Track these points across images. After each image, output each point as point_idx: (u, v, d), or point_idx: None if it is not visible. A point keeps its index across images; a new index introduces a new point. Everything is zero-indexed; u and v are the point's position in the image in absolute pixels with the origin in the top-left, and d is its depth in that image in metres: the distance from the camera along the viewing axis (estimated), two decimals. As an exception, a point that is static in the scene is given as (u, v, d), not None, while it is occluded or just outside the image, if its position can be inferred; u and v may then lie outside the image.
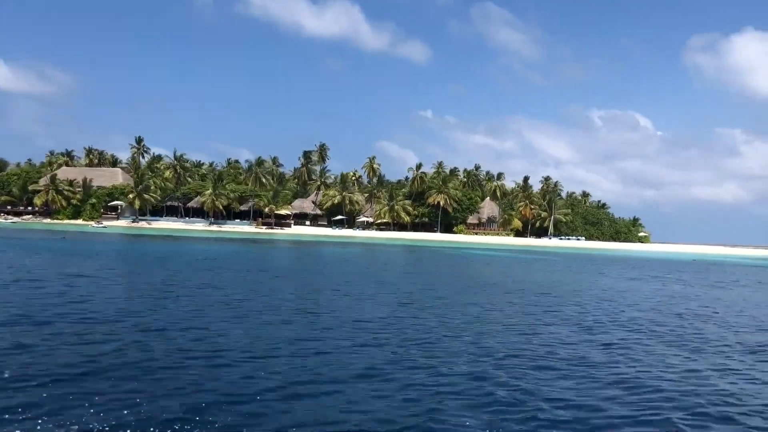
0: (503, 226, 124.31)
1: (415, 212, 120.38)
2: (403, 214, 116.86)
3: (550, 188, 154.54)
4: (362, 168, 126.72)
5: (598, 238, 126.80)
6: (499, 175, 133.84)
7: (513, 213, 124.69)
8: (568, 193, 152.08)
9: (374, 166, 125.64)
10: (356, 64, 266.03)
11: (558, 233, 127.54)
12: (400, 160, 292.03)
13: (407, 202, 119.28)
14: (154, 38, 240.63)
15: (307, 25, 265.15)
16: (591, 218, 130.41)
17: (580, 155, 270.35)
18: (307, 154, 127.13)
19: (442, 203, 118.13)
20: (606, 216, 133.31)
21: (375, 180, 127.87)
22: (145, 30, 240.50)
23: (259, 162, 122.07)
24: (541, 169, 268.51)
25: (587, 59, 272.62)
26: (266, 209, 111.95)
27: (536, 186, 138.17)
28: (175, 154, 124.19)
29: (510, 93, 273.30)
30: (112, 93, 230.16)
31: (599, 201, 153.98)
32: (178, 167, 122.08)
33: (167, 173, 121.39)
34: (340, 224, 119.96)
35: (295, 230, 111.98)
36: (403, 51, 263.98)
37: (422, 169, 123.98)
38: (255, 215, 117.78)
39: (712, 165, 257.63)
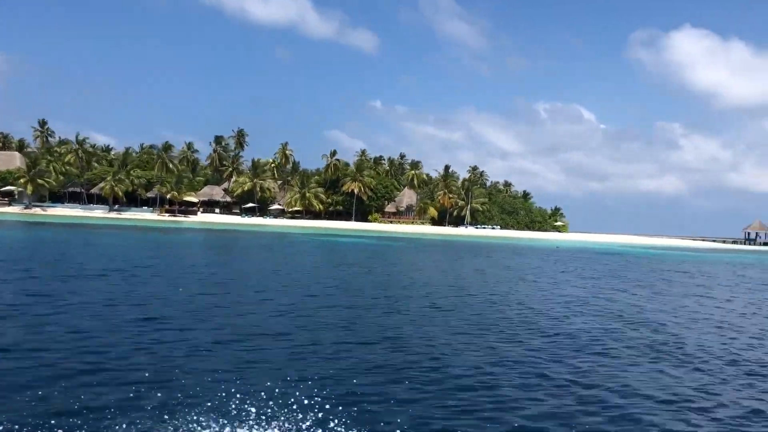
0: (419, 214, 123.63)
1: (329, 200, 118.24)
2: (315, 202, 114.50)
3: (476, 178, 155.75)
4: (274, 154, 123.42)
5: (513, 227, 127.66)
6: (417, 164, 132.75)
7: (429, 202, 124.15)
8: (492, 182, 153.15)
9: (287, 152, 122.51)
10: (304, 52, 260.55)
11: (475, 222, 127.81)
12: (351, 150, 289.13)
13: (320, 189, 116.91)
14: (94, 20, 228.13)
15: (254, 11, 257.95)
16: (507, 207, 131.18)
17: (526, 147, 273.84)
18: (219, 139, 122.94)
19: (356, 191, 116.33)
20: (523, 205, 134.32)
21: (289, 167, 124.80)
22: (84, 11, 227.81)
23: (166, 147, 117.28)
24: (489, 160, 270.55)
25: (532, 52, 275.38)
26: (168, 196, 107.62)
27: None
28: (77, 138, 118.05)
29: (459, 84, 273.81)
30: (47, 76, 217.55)
31: (524, 191, 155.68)
32: (80, 151, 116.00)
33: (69, 157, 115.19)
34: (251, 212, 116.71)
35: (201, 218, 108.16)
36: (351, 39, 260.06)
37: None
38: (162, 202, 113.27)
39: (654, 158, 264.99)
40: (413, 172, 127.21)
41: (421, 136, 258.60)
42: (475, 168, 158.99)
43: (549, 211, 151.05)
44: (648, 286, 26.54)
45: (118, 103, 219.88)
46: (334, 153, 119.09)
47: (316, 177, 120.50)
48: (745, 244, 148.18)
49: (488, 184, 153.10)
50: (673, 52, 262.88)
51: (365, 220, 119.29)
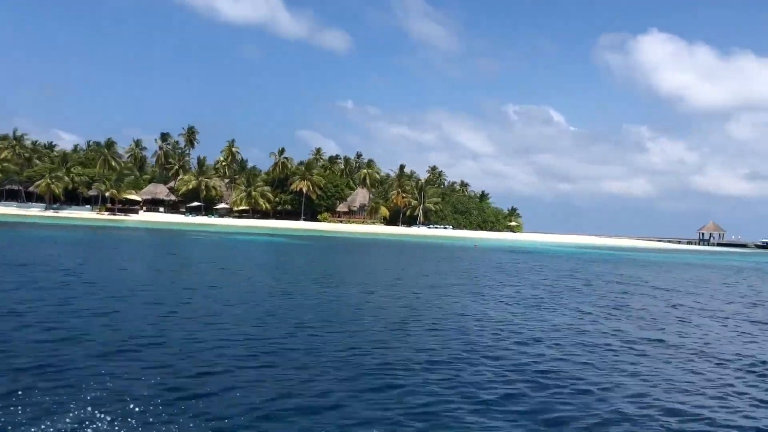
0: (370, 214, 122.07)
1: (277, 199, 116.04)
2: (261, 201, 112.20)
3: (435, 177, 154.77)
4: (221, 152, 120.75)
5: (465, 227, 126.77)
6: (370, 163, 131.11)
7: (381, 202, 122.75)
8: (449, 182, 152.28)
9: (233, 150, 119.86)
10: (275, 51, 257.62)
11: (428, 222, 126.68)
12: (322, 150, 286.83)
13: (267, 188, 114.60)
14: (61, 16, 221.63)
15: (223, 10, 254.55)
16: (460, 207, 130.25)
17: (497, 149, 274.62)
18: (165, 137, 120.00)
19: (305, 190, 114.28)
20: (476, 205, 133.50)
21: (236, 166, 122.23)
22: (52, 6, 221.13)
23: (109, 144, 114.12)
24: (461, 161, 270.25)
25: (502, 54, 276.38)
26: (107, 194, 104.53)
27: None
28: (14, 134, 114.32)
29: (430, 85, 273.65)
30: (11, 74, 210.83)
31: (482, 191, 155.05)
32: (17, 147, 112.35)
33: (5, 154, 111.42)
34: (196, 211, 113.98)
35: (142, 217, 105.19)
36: (323, 40, 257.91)
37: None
38: (104, 201, 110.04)
39: (622, 160, 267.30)
40: (365, 171, 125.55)
41: (393, 137, 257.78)
42: (434, 168, 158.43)
43: (506, 212, 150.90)
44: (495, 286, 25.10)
45: (86, 101, 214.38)
46: (282, 151, 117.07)
47: (263, 176, 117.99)
48: (699, 244, 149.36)
49: (446, 184, 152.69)
50: (640, 55, 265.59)
51: (315, 219, 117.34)
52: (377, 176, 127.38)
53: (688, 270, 42.79)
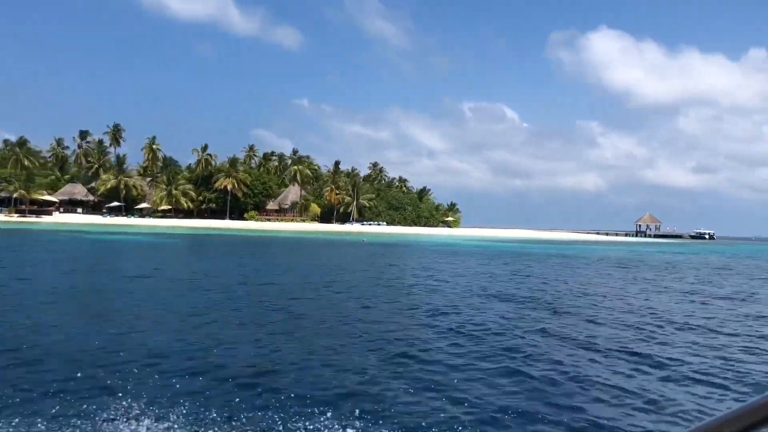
0: (300, 212, 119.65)
1: (201, 198, 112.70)
2: (183, 200, 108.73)
3: (376, 174, 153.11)
4: (141, 150, 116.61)
5: (400, 223, 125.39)
6: (301, 159, 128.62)
7: (311, 199, 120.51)
8: (390, 178, 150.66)
9: (154, 147, 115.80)
10: (226, 48, 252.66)
11: (362, 218, 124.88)
12: (278, 149, 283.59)
13: (189, 186, 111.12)
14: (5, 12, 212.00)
15: (172, 6, 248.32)
16: (395, 203, 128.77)
17: (452, 146, 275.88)
18: (84, 134, 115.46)
19: (230, 188, 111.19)
20: (411, 201, 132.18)
21: (159, 164, 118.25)
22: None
23: (21, 143, 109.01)
24: (416, 159, 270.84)
25: (456, 52, 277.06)
26: (15, 195, 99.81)
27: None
28: None
29: (386, 83, 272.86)
30: None
31: (424, 187, 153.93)
32: None
33: None
34: (117, 212, 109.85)
35: (56, 219, 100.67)
36: (275, 36, 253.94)
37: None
38: (17, 202, 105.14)
39: (574, 155, 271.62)
40: (296, 167, 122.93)
41: (349, 135, 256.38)
42: (375, 164, 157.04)
43: (445, 207, 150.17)
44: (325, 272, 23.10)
45: (32, 99, 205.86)
46: (205, 147, 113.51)
47: (185, 174, 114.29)
48: (636, 236, 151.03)
49: (386, 180, 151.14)
50: (590, 52, 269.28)
51: (241, 218, 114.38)
52: (308, 173, 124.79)
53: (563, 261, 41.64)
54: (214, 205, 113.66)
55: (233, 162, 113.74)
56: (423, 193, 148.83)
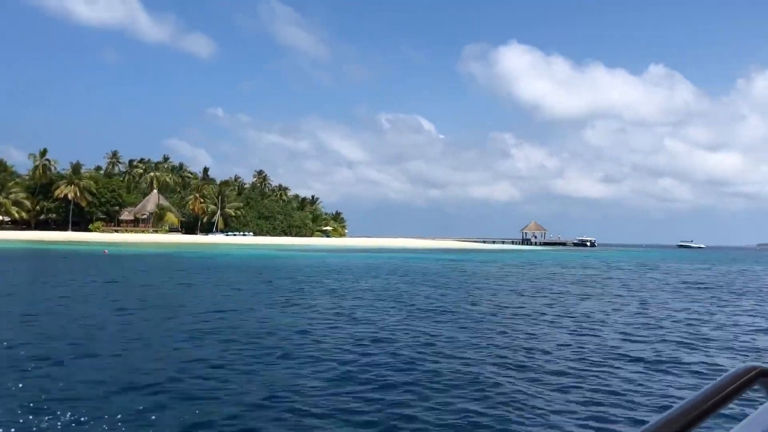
0: (154, 222, 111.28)
1: (38, 207, 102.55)
2: (13, 210, 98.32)
3: (260, 182, 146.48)
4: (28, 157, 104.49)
5: (269, 233, 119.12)
6: (158, 165, 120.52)
7: (167, 208, 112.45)
8: (270, 188, 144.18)
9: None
10: (136, 55, 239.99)
11: (227, 228, 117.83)
12: (192, 159, 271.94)
13: (22, 195, 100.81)
14: None
15: (77, 11, 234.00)
16: (265, 212, 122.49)
17: (371, 156, 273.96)
18: None
19: (71, 196, 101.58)
20: (282, 209, 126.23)
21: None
22: None
23: None
24: (336, 169, 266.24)
25: (373, 62, 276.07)
26: None
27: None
28: None
29: (302, 93, 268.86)
30: None
31: (312, 195, 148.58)
32: None
33: None
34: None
35: None
36: (186, 44, 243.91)
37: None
38: None
39: (488, 166, 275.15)
40: (153, 174, 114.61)
41: (266, 145, 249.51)
42: (260, 172, 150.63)
43: (329, 216, 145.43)
44: None
45: None
46: (44, 152, 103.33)
47: (19, 181, 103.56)
48: (522, 244, 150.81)
49: (269, 188, 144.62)
50: (501, 65, 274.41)
51: (87, 229, 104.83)
52: (167, 180, 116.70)
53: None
54: (54, 215, 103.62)
55: (76, 168, 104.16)
56: (308, 202, 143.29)
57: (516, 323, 14.18)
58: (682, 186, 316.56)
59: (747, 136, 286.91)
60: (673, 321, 15.18)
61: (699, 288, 27.42)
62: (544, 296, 21.27)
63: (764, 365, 0.88)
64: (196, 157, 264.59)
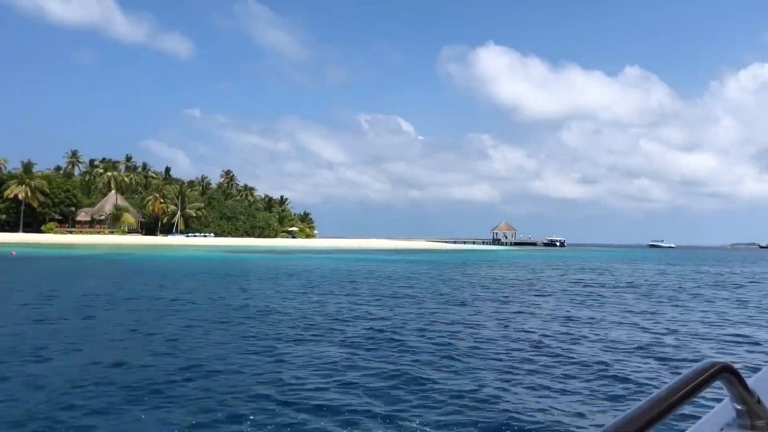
0: (111, 223, 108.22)
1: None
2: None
3: (228, 182, 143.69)
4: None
5: (231, 234, 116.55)
6: (115, 164, 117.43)
7: (124, 208, 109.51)
8: (237, 188, 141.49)
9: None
10: (111, 56, 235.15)
11: (188, 230, 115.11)
12: (170, 161, 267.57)
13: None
14: None
15: (51, 10, 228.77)
16: (227, 213, 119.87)
17: (351, 157, 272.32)
18: None
19: (21, 197, 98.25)
20: (246, 210, 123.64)
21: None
22: None
23: None
24: (316, 170, 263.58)
25: (351, 63, 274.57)
26: None
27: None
28: None
29: (281, 93, 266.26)
30: None
31: (281, 196, 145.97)
32: None
33: None
34: None
35: None
36: (163, 44, 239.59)
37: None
38: None
39: (467, 167, 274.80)
40: (109, 174, 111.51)
41: (245, 146, 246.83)
42: (228, 172, 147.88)
43: (297, 217, 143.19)
44: None
45: None
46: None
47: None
48: (493, 244, 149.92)
49: (236, 189, 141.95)
50: (479, 67, 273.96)
51: (39, 230, 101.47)
52: (125, 180, 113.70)
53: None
54: (5, 216, 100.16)
55: (27, 167, 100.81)
56: (276, 203, 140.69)
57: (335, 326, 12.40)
58: (657, 186, 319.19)
59: (720, 137, 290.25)
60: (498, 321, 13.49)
61: (605, 287, 25.97)
62: (403, 297, 19.55)
63: (728, 361, 0.88)
64: (173, 159, 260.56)
